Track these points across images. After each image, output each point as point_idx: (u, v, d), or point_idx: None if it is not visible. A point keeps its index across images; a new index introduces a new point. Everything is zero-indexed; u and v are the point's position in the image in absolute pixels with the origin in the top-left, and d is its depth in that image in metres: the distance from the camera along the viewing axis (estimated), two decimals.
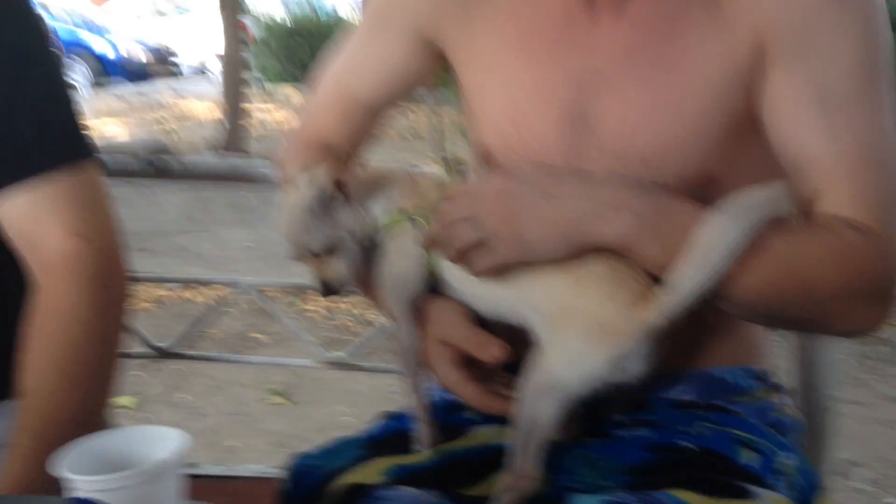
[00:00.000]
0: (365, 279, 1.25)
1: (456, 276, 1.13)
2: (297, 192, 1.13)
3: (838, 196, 1.07)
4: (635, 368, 1.03)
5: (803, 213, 1.10)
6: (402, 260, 1.16)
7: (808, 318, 1.09)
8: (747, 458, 1.13)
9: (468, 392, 1.13)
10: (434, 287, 1.18)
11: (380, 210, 1.16)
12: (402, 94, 1.39)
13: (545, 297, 1.06)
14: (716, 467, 1.10)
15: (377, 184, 1.17)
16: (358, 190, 1.14)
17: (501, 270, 1.07)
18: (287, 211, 1.13)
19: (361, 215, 1.15)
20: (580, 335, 1.02)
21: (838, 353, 1.82)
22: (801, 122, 1.07)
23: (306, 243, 1.13)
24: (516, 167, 1.10)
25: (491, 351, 1.10)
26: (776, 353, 1.99)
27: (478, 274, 1.08)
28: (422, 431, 1.20)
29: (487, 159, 1.24)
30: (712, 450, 1.13)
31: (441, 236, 1.10)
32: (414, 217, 1.14)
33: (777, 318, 1.12)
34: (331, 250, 1.14)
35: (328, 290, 1.16)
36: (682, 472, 1.08)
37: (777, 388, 1.31)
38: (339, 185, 1.12)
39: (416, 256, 1.15)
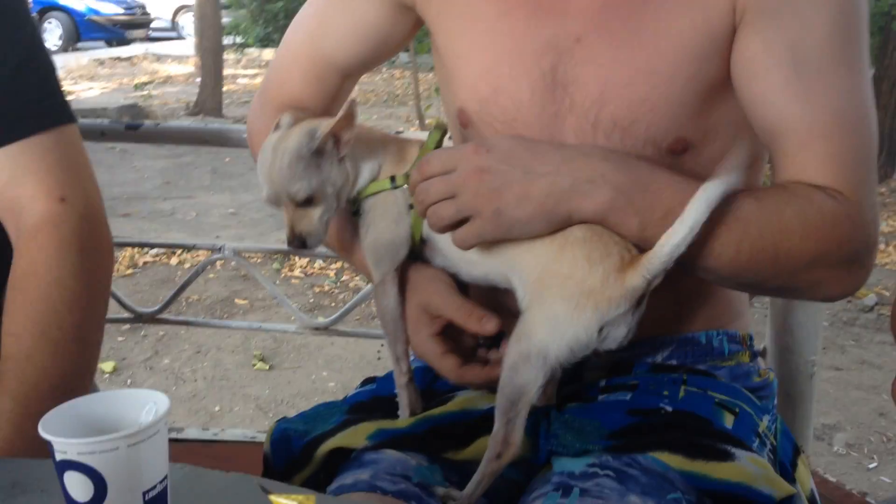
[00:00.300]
0: (345, 241, 1.25)
1: (444, 241, 1.13)
2: (291, 137, 1.12)
3: (810, 161, 1.07)
4: (618, 334, 1.03)
5: (774, 180, 1.11)
6: (389, 225, 1.15)
7: (783, 284, 1.10)
8: (728, 420, 1.14)
9: (446, 365, 1.14)
10: (415, 253, 1.18)
11: (368, 173, 1.16)
12: (378, 58, 1.37)
13: (529, 262, 1.06)
14: (697, 430, 1.11)
15: (369, 146, 1.16)
16: (350, 149, 1.13)
17: (484, 244, 1.07)
18: (276, 153, 1.12)
19: (348, 173, 1.14)
20: (563, 300, 1.02)
21: (820, 319, 1.84)
22: (774, 85, 1.07)
23: (288, 189, 1.11)
24: (494, 140, 1.09)
25: (485, 323, 1.11)
26: (758, 318, 2.01)
27: (460, 248, 1.08)
28: (403, 397, 1.21)
29: (464, 123, 1.23)
30: (693, 413, 1.14)
31: (421, 212, 1.09)
32: (401, 184, 1.14)
33: (753, 285, 1.13)
34: (310, 200, 1.12)
35: (299, 241, 1.14)
36: (664, 435, 1.10)
37: (758, 352, 1.32)
38: (336, 140, 1.11)
39: (403, 222, 1.15)
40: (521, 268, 1.07)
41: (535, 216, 1.02)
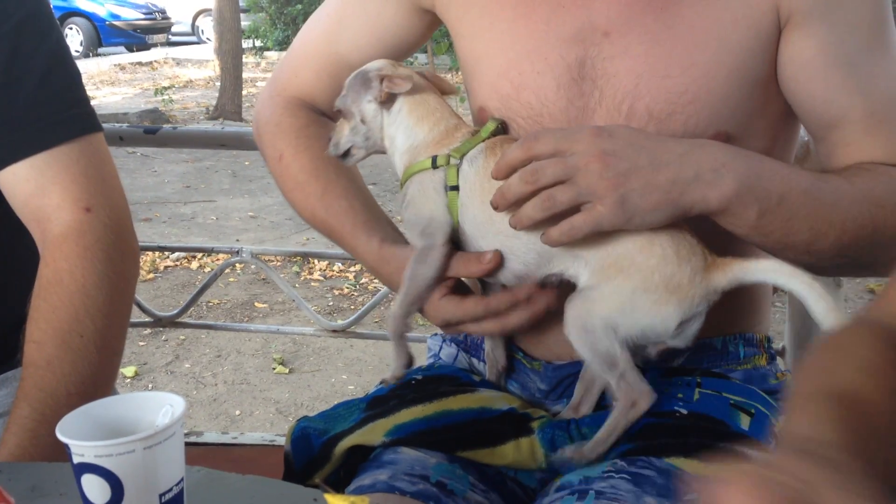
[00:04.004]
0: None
1: (471, 227, 1.13)
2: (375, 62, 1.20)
3: (876, 144, 1.11)
4: (690, 331, 1.04)
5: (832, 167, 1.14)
6: (427, 202, 1.15)
7: (875, 260, 1.13)
8: (744, 422, 1.13)
9: (468, 307, 1.13)
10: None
11: (403, 138, 1.17)
12: (393, 60, 1.38)
13: (600, 249, 1.04)
14: (712, 433, 1.10)
15: (422, 116, 1.17)
16: (405, 106, 1.17)
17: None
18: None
19: (383, 120, 1.18)
20: (644, 292, 1.02)
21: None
22: (832, 84, 1.10)
23: (339, 97, 1.20)
24: (612, 127, 1.05)
25: (484, 260, 1.10)
26: (778, 318, 1.99)
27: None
28: (400, 349, 1.18)
29: (484, 121, 1.23)
30: (708, 415, 1.13)
31: (528, 196, 1.02)
32: (442, 164, 1.14)
33: (849, 264, 1.15)
34: (344, 115, 1.19)
35: (329, 146, 1.22)
36: (679, 439, 1.09)
37: (776, 354, 1.31)
38: (382, 80, 1.15)
39: (440, 201, 1.14)
40: (587, 254, 1.05)
41: (659, 205, 1.00)
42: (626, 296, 1.02)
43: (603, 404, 1.20)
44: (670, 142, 1.04)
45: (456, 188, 1.12)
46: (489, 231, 1.11)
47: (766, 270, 1.03)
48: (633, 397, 1.04)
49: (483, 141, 1.13)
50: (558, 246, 1.04)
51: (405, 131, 1.17)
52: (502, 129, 1.17)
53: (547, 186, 1.01)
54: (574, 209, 1.01)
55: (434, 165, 1.13)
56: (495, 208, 1.06)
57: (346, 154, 1.22)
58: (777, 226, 1.04)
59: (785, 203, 1.03)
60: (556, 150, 1.01)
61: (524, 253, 1.09)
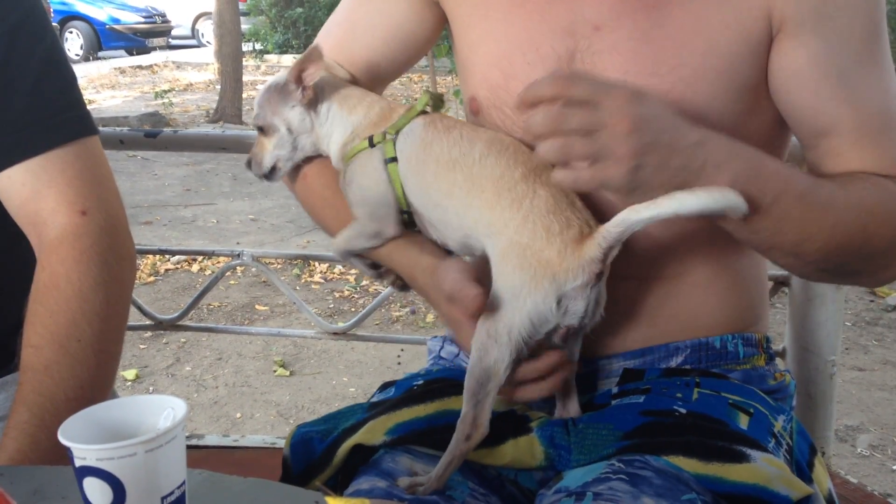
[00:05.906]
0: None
1: (416, 194, 1.15)
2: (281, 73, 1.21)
3: (864, 157, 1.11)
4: (576, 308, 1.03)
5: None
6: (370, 183, 1.17)
7: (857, 269, 1.13)
8: (742, 421, 1.13)
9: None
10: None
11: (340, 133, 1.20)
12: (406, 59, 1.36)
13: (498, 228, 1.06)
14: (711, 432, 1.10)
15: (352, 108, 1.21)
16: (331, 104, 1.20)
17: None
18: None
19: (312, 123, 1.21)
20: (521, 271, 1.02)
21: (839, 320, 1.83)
22: (822, 95, 1.10)
23: (254, 116, 1.24)
24: (643, 97, 1.00)
25: (466, 302, 1.06)
26: (779, 319, 2.00)
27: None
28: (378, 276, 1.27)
29: (475, 111, 1.25)
30: (707, 414, 1.13)
31: (550, 138, 0.99)
32: (378, 141, 1.16)
33: (832, 270, 1.14)
34: (264, 131, 1.22)
35: (246, 162, 1.26)
36: (678, 437, 1.09)
37: (775, 354, 1.31)
38: (300, 83, 1.18)
39: (381, 176, 1.16)
40: (492, 234, 1.07)
41: (662, 186, 0.99)
42: (509, 279, 1.03)
43: (597, 403, 1.21)
44: (686, 128, 1.02)
45: (395, 160, 1.15)
46: (428, 202, 1.13)
47: (619, 223, 0.99)
48: (468, 431, 1.05)
49: (418, 114, 1.17)
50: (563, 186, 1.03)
51: (341, 124, 1.21)
52: (439, 102, 1.20)
53: (569, 133, 0.98)
54: (593, 162, 0.98)
55: (371, 144, 1.17)
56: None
57: (272, 171, 1.26)
58: (767, 225, 1.04)
59: (778, 204, 1.03)
60: (589, 99, 0.97)
61: (455, 229, 1.13)
